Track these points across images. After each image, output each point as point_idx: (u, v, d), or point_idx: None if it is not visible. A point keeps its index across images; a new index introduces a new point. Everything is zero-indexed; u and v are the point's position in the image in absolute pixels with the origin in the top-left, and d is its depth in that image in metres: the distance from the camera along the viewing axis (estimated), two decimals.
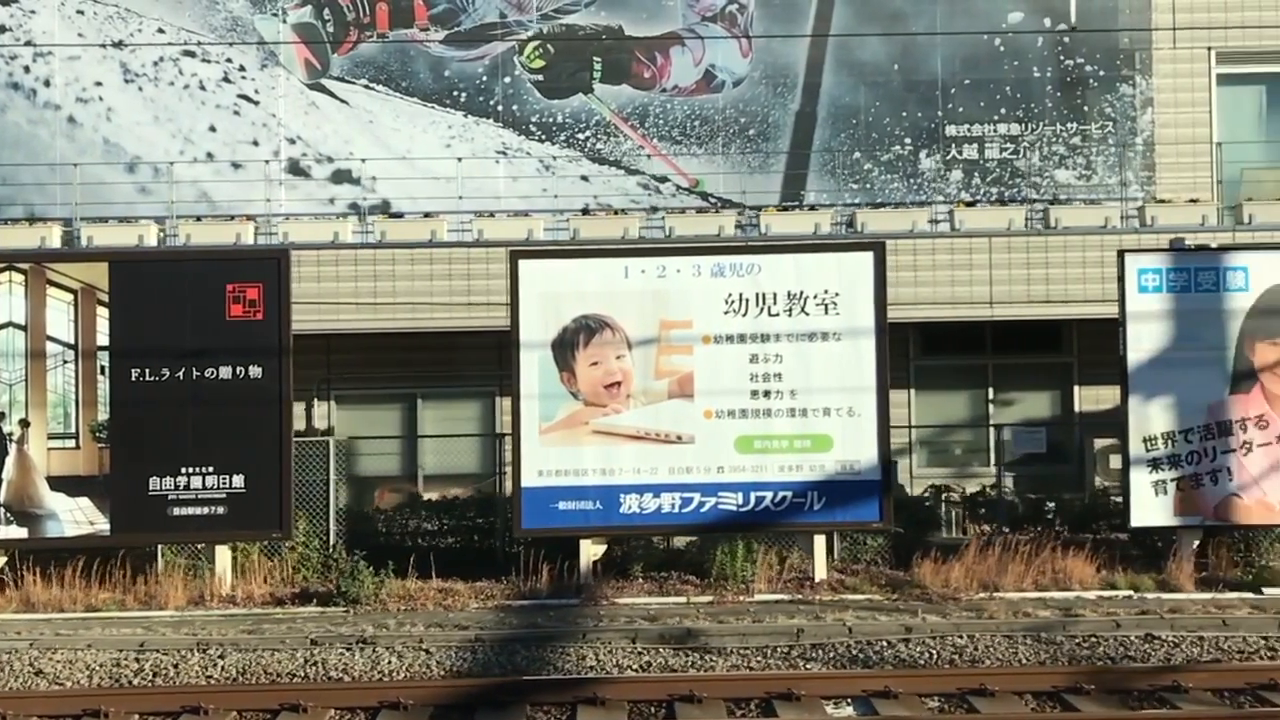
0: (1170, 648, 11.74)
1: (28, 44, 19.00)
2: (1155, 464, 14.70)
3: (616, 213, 18.43)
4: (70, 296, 14.74)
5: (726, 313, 14.75)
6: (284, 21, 19.12)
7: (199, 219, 18.27)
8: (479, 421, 18.84)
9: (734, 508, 14.65)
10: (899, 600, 13.72)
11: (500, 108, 19.18)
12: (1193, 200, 18.04)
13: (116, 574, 14.42)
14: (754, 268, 14.84)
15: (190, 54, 19.07)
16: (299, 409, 18.59)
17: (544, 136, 19.14)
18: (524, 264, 14.85)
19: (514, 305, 14.73)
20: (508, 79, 19.19)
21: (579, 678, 10.80)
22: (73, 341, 14.65)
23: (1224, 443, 14.65)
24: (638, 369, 14.68)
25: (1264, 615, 12.68)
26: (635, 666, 11.47)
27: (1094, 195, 19.03)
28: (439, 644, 12.08)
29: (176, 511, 14.48)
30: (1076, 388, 18.90)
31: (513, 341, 14.71)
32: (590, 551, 14.72)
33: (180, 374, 14.55)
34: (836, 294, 14.74)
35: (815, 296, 14.75)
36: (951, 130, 19.16)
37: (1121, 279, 14.80)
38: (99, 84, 19.02)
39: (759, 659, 11.69)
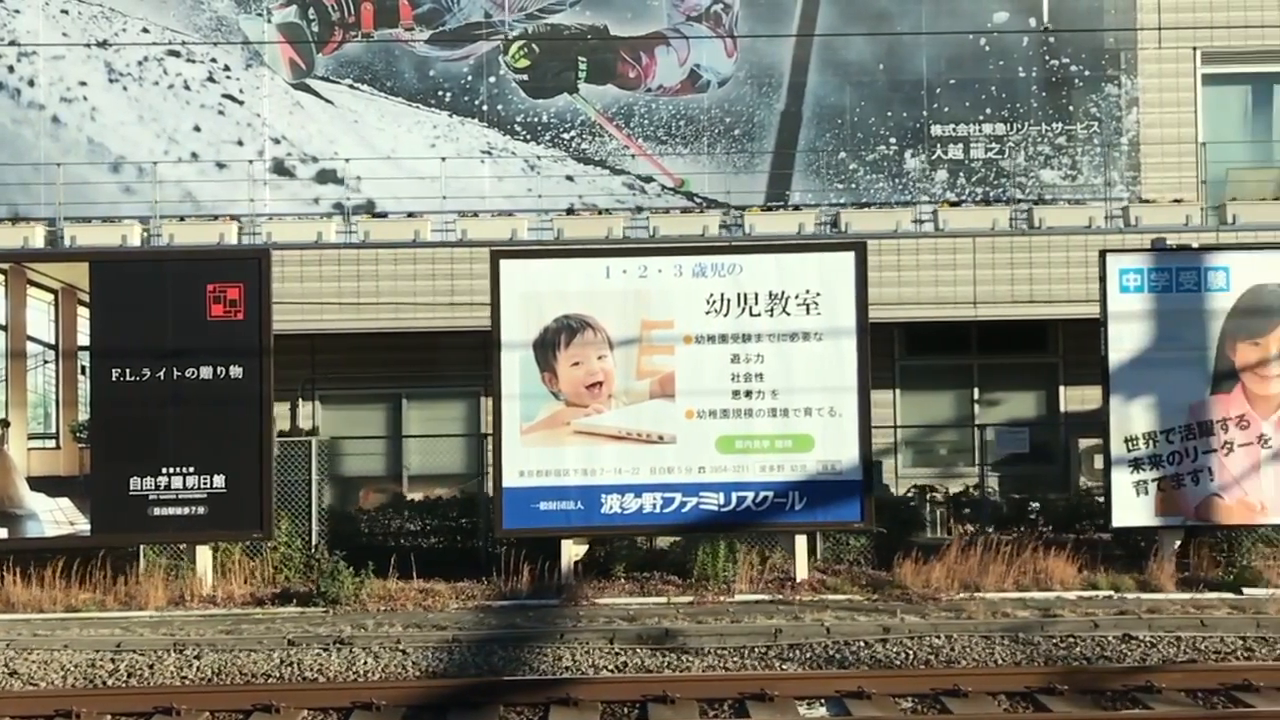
0: (1147, 648, 11.73)
1: (12, 44, 18.98)
2: (1136, 464, 14.70)
3: (601, 213, 18.43)
4: (51, 296, 14.74)
5: (708, 313, 14.74)
6: (269, 21, 19.12)
7: (182, 219, 18.26)
8: (464, 422, 18.84)
9: (715, 508, 14.64)
10: (879, 601, 13.71)
11: (485, 107, 19.18)
12: (1177, 200, 18.05)
13: (97, 574, 14.40)
14: (735, 268, 14.83)
15: (175, 54, 19.06)
16: (284, 409, 18.63)
17: (529, 136, 19.13)
18: (505, 264, 14.84)
19: (495, 305, 14.72)
20: (493, 79, 19.18)
21: (553, 678, 10.79)
22: (53, 341, 14.65)
23: (1205, 443, 14.65)
24: (619, 369, 14.67)
25: (1242, 615, 12.68)
26: (611, 667, 11.46)
27: (1079, 195, 19.03)
28: (416, 644, 12.07)
29: (157, 512, 14.46)
30: (1062, 388, 18.91)
31: (494, 341, 14.70)
32: (572, 552, 14.72)
33: (161, 374, 14.52)
34: (818, 294, 14.73)
35: (796, 296, 14.74)
36: (937, 130, 19.16)
37: (1103, 279, 14.79)
38: (83, 84, 19.01)
39: (736, 659, 11.68)
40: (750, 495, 14.61)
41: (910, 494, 17.64)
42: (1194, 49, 19.19)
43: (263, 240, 17.74)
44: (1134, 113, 19.22)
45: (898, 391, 18.94)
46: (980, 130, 19.15)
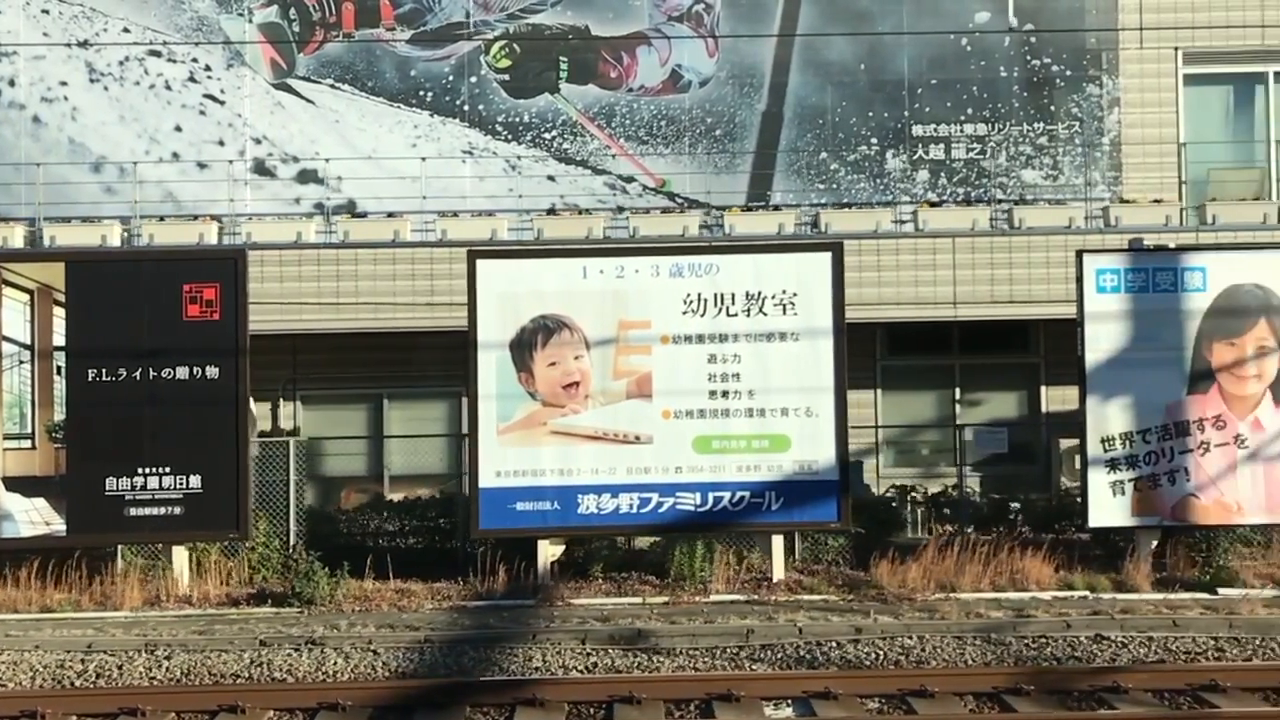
0: (1118, 648, 11.73)
1: None
2: (1113, 464, 14.70)
3: (581, 213, 18.42)
4: (26, 296, 14.73)
5: (685, 313, 14.73)
6: (250, 21, 19.09)
7: (162, 219, 18.23)
8: (445, 422, 18.83)
9: (692, 508, 14.64)
10: (854, 601, 13.70)
11: (466, 107, 19.17)
12: (1157, 200, 18.04)
13: (73, 575, 14.37)
14: (712, 268, 14.82)
15: (156, 54, 19.04)
16: (265, 409, 18.61)
17: (510, 136, 19.12)
18: (482, 264, 14.83)
19: (472, 305, 14.71)
20: (474, 79, 19.17)
21: (520, 679, 10.78)
22: (29, 341, 14.65)
23: (1182, 443, 14.65)
24: (596, 369, 14.66)
25: (1215, 616, 12.67)
26: (581, 668, 11.46)
27: (1060, 195, 19.03)
28: (388, 645, 12.06)
29: (133, 512, 14.44)
30: (1043, 388, 18.91)
31: (470, 342, 14.70)
32: (548, 552, 14.71)
33: (137, 374, 14.51)
34: (794, 294, 14.73)
35: (773, 297, 14.74)
36: (918, 130, 19.16)
37: (1080, 279, 14.79)
38: (64, 84, 18.99)
39: (706, 660, 11.68)
40: (727, 495, 14.61)
41: (891, 494, 17.63)
42: (1175, 49, 19.19)
43: (242, 240, 17.72)
44: (1115, 113, 19.22)
45: (879, 391, 18.94)
46: (961, 130, 19.15)
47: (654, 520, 14.66)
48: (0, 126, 19.02)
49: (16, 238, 17.65)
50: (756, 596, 14.00)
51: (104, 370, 14.48)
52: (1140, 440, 14.67)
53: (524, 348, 14.63)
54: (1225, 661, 11.34)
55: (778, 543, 14.78)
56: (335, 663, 11.54)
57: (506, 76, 19.13)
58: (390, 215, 18.13)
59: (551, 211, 18.67)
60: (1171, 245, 15.81)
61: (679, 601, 13.86)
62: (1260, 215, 17.54)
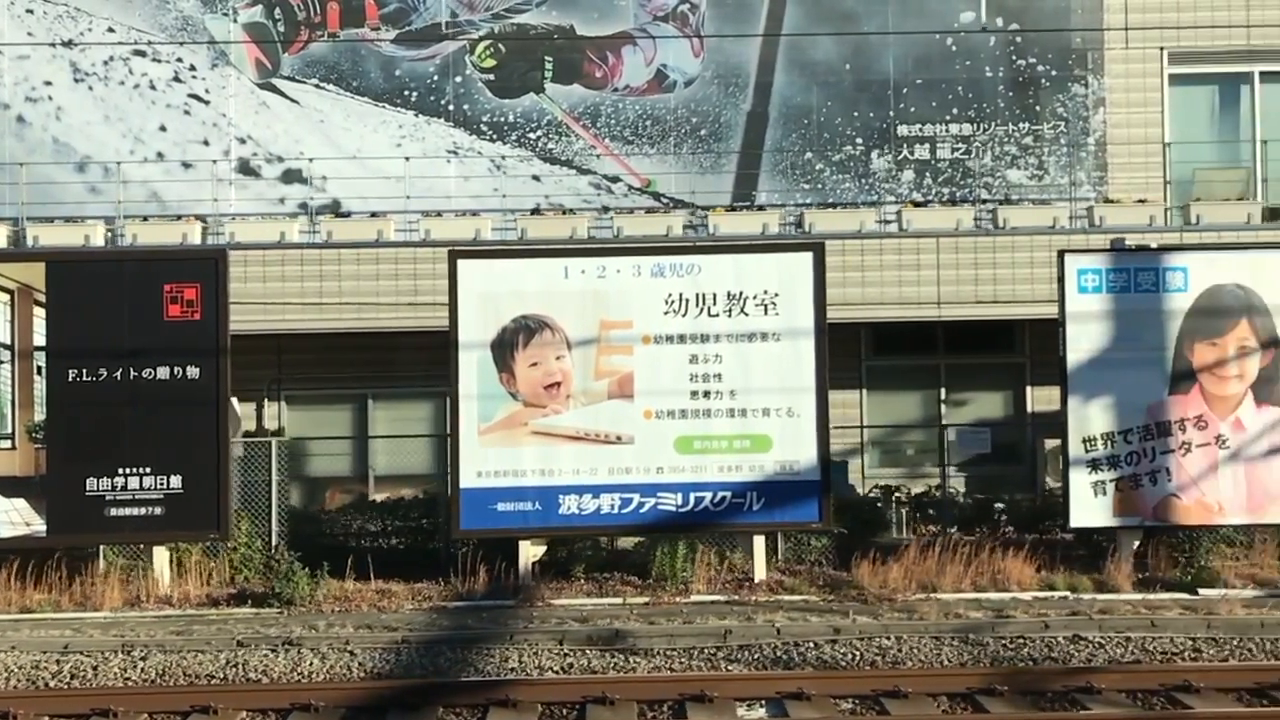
0: (1094, 649, 11.72)
1: None
2: (1095, 464, 14.68)
3: (565, 213, 18.41)
4: (7, 296, 14.70)
5: (666, 313, 14.71)
6: (234, 21, 19.09)
7: (145, 219, 18.20)
8: (430, 422, 18.81)
9: (673, 508, 14.62)
10: (834, 601, 13.68)
11: (451, 107, 19.15)
12: (1141, 200, 18.04)
13: (53, 575, 14.36)
14: (694, 268, 14.81)
15: (140, 53, 19.02)
16: (249, 409, 18.59)
17: (495, 136, 19.11)
18: (463, 264, 14.81)
19: (453, 305, 14.69)
20: (459, 78, 19.16)
21: (494, 679, 10.77)
22: (9, 342, 14.61)
23: (1163, 443, 14.64)
24: (577, 369, 14.64)
25: (1193, 616, 12.66)
26: (557, 668, 11.45)
27: (1046, 195, 19.02)
28: (365, 645, 12.05)
29: (114, 512, 14.41)
30: (1029, 388, 18.89)
31: (451, 342, 14.67)
32: (529, 553, 14.69)
33: (118, 374, 14.48)
34: (776, 294, 14.71)
35: (755, 297, 14.72)
36: (903, 130, 19.16)
37: (1062, 279, 14.78)
38: (48, 83, 18.98)
39: (683, 660, 11.67)
40: (708, 496, 14.60)
41: (875, 495, 17.62)
42: (1161, 49, 19.19)
43: (226, 240, 17.71)
44: (1101, 113, 19.21)
45: (864, 392, 18.93)
46: (947, 130, 19.14)
47: (635, 521, 14.65)
48: None
49: None
50: (737, 597, 13.99)
51: (85, 370, 14.46)
52: (1122, 440, 14.66)
53: (505, 348, 14.62)
54: (1201, 662, 11.33)
55: (759, 543, 14.77)
56: (311, 663, 11.53)
57: (491, 76, 19.12)
58: (374, 215, 18.12)
59: (536, 211, 18.66)
60: (1153, 245, 15.80)
61: (659, 602, 13.84)
62: (1244, 215, 17.54)
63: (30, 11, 19.06)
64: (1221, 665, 11.18)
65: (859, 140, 19.14)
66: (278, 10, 19.05)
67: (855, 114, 19.16)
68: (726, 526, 14.76)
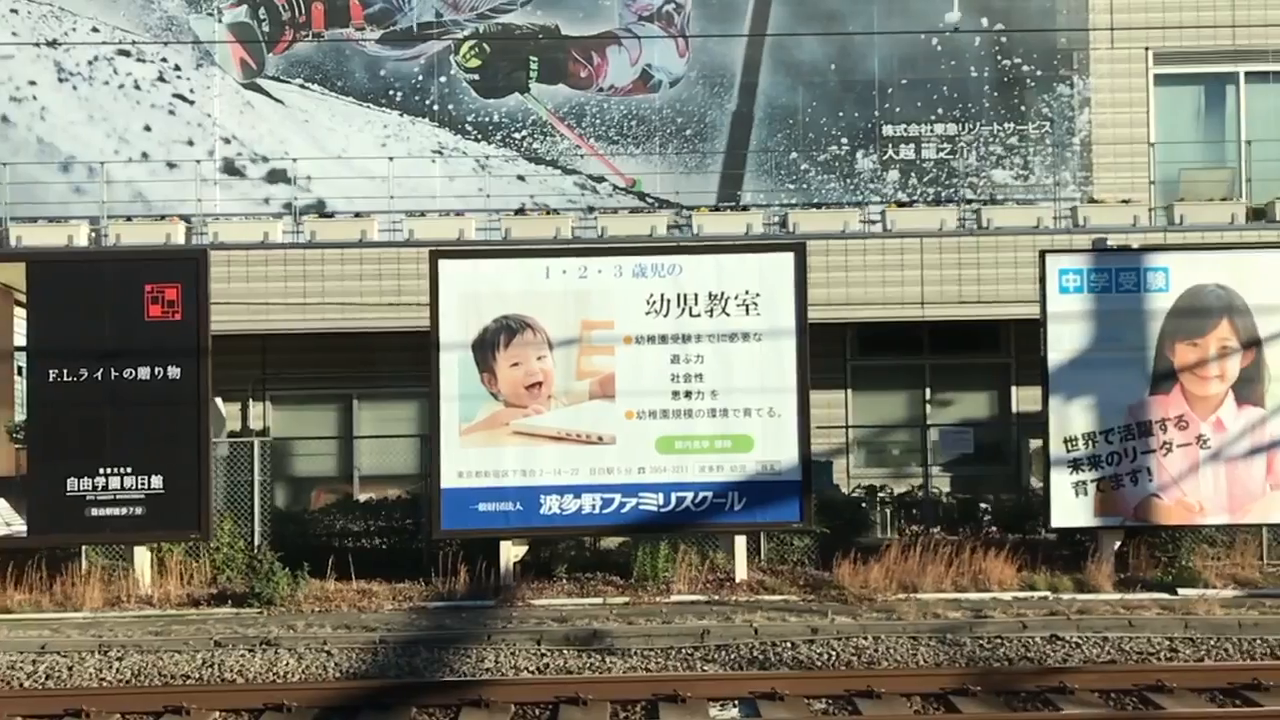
0: (1071, 649, 11.73)
1: None
2: (1076, 464, 14.69)
3: (549, 213, 18.40)
4: None
5: (648, 313, 14.70)
6: (219, 21, 19.10)
7: (129, 219, 18.18)
8: (414, 422, 18.75)
9: (655, 508, 14.61)
10: (814, 601, 13.68)
11: (436, 107, 19.15)
12: (1125, 201, 18.03)
13: (34, 575, 14.35)
14: (675, 268, 14.80)
15: (125, 53, 19.02)
16: (234, 409, 18.59)
17: (480, 136, 19.12)
18: (444, 264, 14.81)
19: (434, 306, 14.68)
20: (443, 78, 19.16)
21: (468, 680, 10.77)
22: None
23: (1144, 443, 14.64)
24: (559, 370, 14.64)
25: (1171, 616, 12.65)
26: (534, 668, 11.45)
27: (1031, 195, 19.03)
28: (343, 645, 12.05)
29: (94, 512, 14.41)
30: (1014, 388, 18.89)
31: (432, 342, 14.67)
32: (511, 553, 14.68)
33: (99, 374, 14.46)
34: (757, 295, 14.71)
35: (736, 297, 14.72)
36: (888, 130, 19.16)
37: (1043, 279, 14.79)
38: (33, 83, 18.98)
39: (660, 660, 11.67)
40: (690, 496, 14.59)
41: (859, 494, 17.61)
42: (1146, 49, 19.20)
43: (209, 240, 17.70)
44: (1086, 113, 19.22)
45: (850, 392, 18.94)
46: (932, 130, 19.15)
47: (617, 521, 14.64)
48: None
49: None
50: (718, 597, 13.99)
51: (65, 370, 14.45)
52: (1103, 440, 14.66)
53: (486, 348, 14.61)
54: (1176, 662, 11.33)
55: (740, 543, 14.77)
56: (288, 663, 11.52)
57: (476, 76, 19.13)
58: (357, 215, 18.10)
59: (520, 211, 18.64)
60: (1135, 246, 15.81)
61: (639, 602, 13.84)
62: (1228, 215, 17.54)
63: (14, 11, 19.07)
64: (1196, 665, 11.19)
65: (844, 140, 19.15)
66: (262, 10, 19.06)
67: (840, 114, 19.16)
68: (708, 526, 14.75)
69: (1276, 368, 14.67)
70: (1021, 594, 13.88)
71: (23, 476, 14.46)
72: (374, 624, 12.84)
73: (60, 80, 19.02)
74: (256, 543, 15.42)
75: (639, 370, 14.64)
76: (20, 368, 14.57)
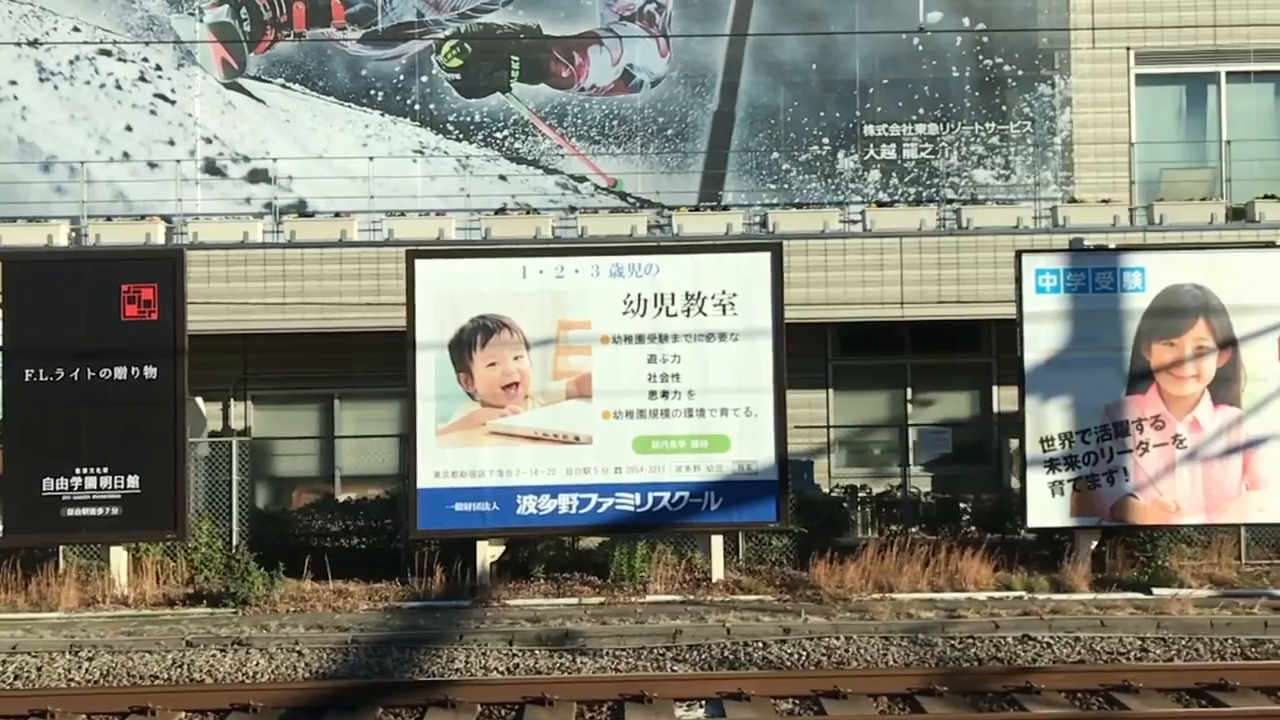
0: (1041, 649, 11.73)
1: None
2: (1052, 464, 14.69)
3: (529, 212, 18.40)
4: None
5: (625, 313, 14.71)
6: (200, 21, 19.09)
7: (109, 219, 18.17)
8: (395, 422, 18.68)
9: (631, 508, 14.62)
10: (789, 601, 13.68)
11: (417, 107, 19.16)
12: (1104, 200, 18.03)
13: (9, 575, 14.34)
14: (652, 268, 14.81)
15: (106, 53, 19.01)
16: (215, 409, 18.59)
17: (461, 136, 19.11)
18: (420, 264, 14.80)
19: (410, 305, 14.68)
20: (425, 78, 19.15)
21: (435, 680, 10.77)
22: None
23: (1120, 443, 14.65)
24: (535, 370, 14.64)
25: (1144, 616, 12.65)
26: (504, 669, 11.44)
27: (1012, 195, 19.03)
28: (314, 646, 12.04)
29: (70, 512, 14.42)
30: (995, 388, 18.88)
31: (409, 342, 14.67)
32: (488, 553, 14.69)
33: (75, 374, 14.48)
34: (734, 294, 14.72)
35: (713, 297, 14.73)
36: (870, 130, 19.16)
37: (1019, 279, 14.79)
38: (14, 83, 18.98)
39: (631, 660, 11.67)
40: (666, 495, 14.59)
41: (839, 494, 17.60)
42: (1127, 49, 19.21)
43: (189, 240, 17.69)
44: (1067, 113, 19.23)
45: (831, 391, 18.93)
46: (913, 130, 19.15)
47: (593, 520, 14.65)
48: None
49: None
50: (693, 597, 13.98)
51: (42, 370, 14.47)
52: (1079, 440, 14.67)
53: (463, 348, 14.61)
54: (1146, 662, 11.34)
55: (717, 543, 14.78)
56: (258, 663, 11.52)
57: (458, 76, 19.13)
58: (337, 215, 18.09)
59: (501, 211, 18.63)
60: (1111, 245, 15.81)
61: (614, 602, 13.84)
62: (1208, 215, 17.53)
63: None
64: (1164, 665, 11.20)
65: (825, 140, 19.15)
66: (244, 10, 19.05)
67: (822, 114, 19.17)
68: (684, 526, 14.75)
69: (1252, 368, 14.68)
70: (997, 594, 13.88)
71: None
72: (347, 624, 12.84)
73: (41, 80, 19.01)
74: (235, 543, 15.42)
75: (616, 370, 14.65)
76: None
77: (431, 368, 14.59)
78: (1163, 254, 15.20)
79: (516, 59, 19.08)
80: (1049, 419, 14.70)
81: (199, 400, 17.47)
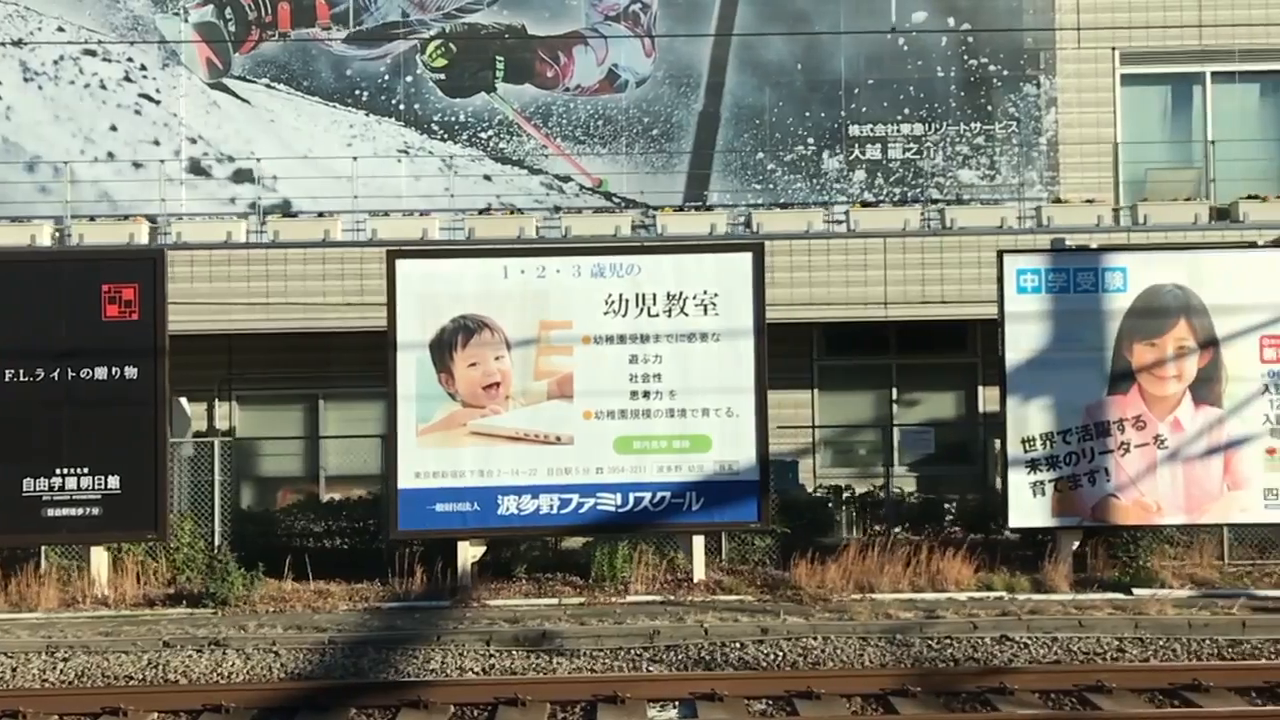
0: (1019, 649, 11.72)
1: None
2: (1034, 465, 14.68)
3: (513, 212, 18.39)
4: None
5: (606, 313, 14.70)
6: (185, 20, 19.08)
7: (93, 219, 18.15)
8: (380, 422, 18.62)
9: (613, 508, 14.61)
10: (769, 602, 13.66)
11: (402, 107, 19.14)
12: (1089, 201, 18.02)
13: None
14: (634, 268, 14.80)
15: (91, 53, 19.00)
16: (200, 409, 18.57)
17: (446, 135, 19.10)
18: (401, 264, 14.79)
19: (391, 305, 14.67)
20: (410, 78, 19.14)
21: (409, 680, 10.76)
22: None
23: (1102, 443, 14.64)
24: (517, 370, 14.62)
25: (1122, 616, 12.64)
26: (479, 669, 11.43)
27: (998, 195, 19.02)
28: (291, 646, 12.03)
29: (51, 512, 14.40)
30: (980, 388, 18.86)
31: (390, 342, 14.66)
32: (469, 553, 14.67)
33: (55, 374, 14.46)
34: (715, 295, 14.71)
35: (694, 297, 14.72)
36: (855, 130, 19.16)
37: (1001, 279, 14.79)
38: None
39: (607, 661, 11.66)
40: (647, 496, 14.58)
41: (824, 494, 17.59)
42: (1113, 49, 19.20)
43: (173, 240, 17.67)
44: (1053, 113, 19.22)
45: (816, 391, 18.92)
46: (898, 130, 19.14)
47: (575, 521, 14.64)
48: None
49: None
50: (674, 597, 13.97)
51: (22, 370, 14.45)
52: (1060, 441, 14.66)
53: (444, 348, 14.60)
54: (1122, 662, 11.33)
55: (698, 543, 14.77)
56: (233, 664, 11.51)
57: (443, 76, 19.12)
58: (321, 215, 18.07)
59: (485, 211, 18.62)
60: (1093, 246, 15.80)
61: (595, 602, 13.83)
62: (1192, 215, 17.51)
63: None
64: (1139, 666, 11.19)
65: (810, 140, 19.14)
66: (229, 10, 19.03)
67: (807, 114, 19.15)
68: (666, 526, 14.74)
69: (1234, 368, 14.67)
70: (978, 594, 13.88)
71: None
72: (326, 625, 12.82)
73: (26, 80, 18.99)
74: (217, 543, 15.41)
75: (597, 370, 14.63)
76: None
77: (412, 368, 14.58)
78: (1144, 254, 15.19)
79: (501, 59, 19.08)
80: (1030, 419, 14.69)
81: (184, 401, 17.47)
